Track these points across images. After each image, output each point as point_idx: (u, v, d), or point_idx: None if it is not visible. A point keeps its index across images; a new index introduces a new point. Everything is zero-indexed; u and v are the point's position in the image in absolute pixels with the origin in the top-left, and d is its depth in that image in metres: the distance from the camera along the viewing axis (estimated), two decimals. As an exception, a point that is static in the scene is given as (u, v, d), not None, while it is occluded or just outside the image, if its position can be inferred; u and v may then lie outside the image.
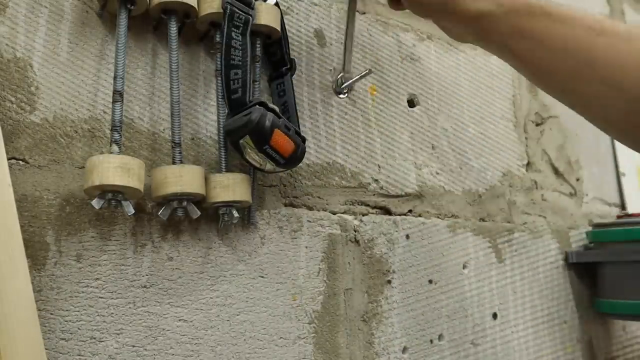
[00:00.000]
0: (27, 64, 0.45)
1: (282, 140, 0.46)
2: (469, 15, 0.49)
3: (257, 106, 0.46)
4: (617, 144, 0.95)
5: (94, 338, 0.43)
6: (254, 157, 0.47)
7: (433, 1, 0.51)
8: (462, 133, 0.72)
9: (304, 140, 0.50)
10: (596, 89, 0.46)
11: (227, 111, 0.48)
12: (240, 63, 0.47)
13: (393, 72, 0.67)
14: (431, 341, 0.62)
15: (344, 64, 0.61)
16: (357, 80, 0.61)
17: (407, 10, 0.54)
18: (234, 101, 0.47)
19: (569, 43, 0.46)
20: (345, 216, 0.59)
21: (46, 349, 0.40)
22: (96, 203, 0.41)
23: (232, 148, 0.48)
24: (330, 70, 0.62)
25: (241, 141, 0.46)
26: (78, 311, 0.43)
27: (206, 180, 0.47)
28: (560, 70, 0.48)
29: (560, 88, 0.51)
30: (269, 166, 0.48)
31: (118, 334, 0.44)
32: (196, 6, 0.49)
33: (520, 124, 0.80)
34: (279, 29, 0.52)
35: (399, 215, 0.63)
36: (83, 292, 0.43)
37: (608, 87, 0.45)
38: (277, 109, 0.48)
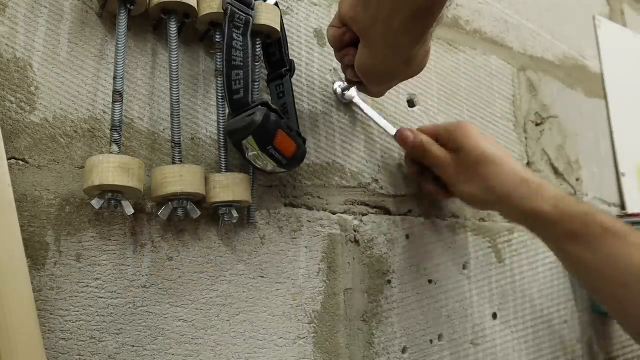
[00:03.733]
0: (27, 64, 0.45)
1: (285, 141, 0.47)
2: (524, 213, 0.54)
3: (260, 107, 0.46)
4: (617, 144, 0.95)
5: (94, 338, 0.43)
6: (256, 157, 0.47)
7: (489, 199, 0.55)
8: (462, 133, 0.72)
9: (304, 141, 0.50)
10: (634, 299, 0.48)
11: (228, 112, 0.48)
12: (241, 64, 0.47)
13: (393, 72, 0.67)
14: (431, 341, 0.62)
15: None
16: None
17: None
18: (236, 102, 0.47)
19: (619, 254, 0.49)
20: (345, 216, 0.59)
21: (46, 349, 0.40)
22: (96, 203, 0.41)
23: (234, 148, 0.48)
24: (330, 70, 0.62)
25: (244, 142, 0.46)
26: (78, 311, 0.43)
27: (206, 180, 0.47)
28: (609, 277, 0.50)
29: (607, 294, 0.52)
30: (270, 167, 0.48)
31: (118, 334, 0.44)
32: (196, 6, 0.49)
33: (520, 124, 0.80)
34: (278, 29, 0.52)
35: (399, 215, 0.63)
36: (83, 292, 0.43)
37: None
38: (278, 110, 0.48)
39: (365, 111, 0.61)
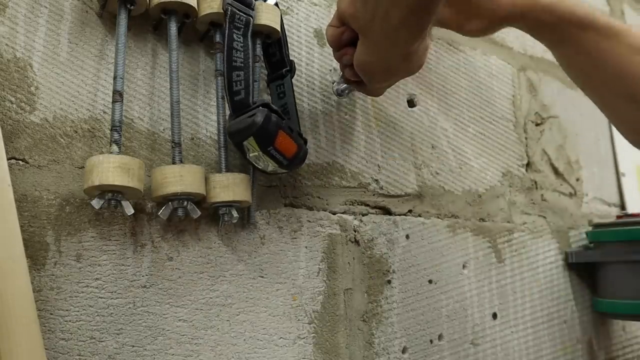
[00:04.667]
0: (27, 64, 0.45)
1: (285, 142, 0.47)
2: (526, 27, 0.55)
3: (261, 108, 0.46)
4: (617, 144, 0.95)
5: (94, 338, 0.43)
6: (257, 158, 0.47)
7: (496, 13, 0.55)
8: (462, 133, 0.72)
9: (305, 142, 0.50)
10: (624, 100, 0.52)
11: (229, 112, 0.48)
12: (242, 64, 0.47)
13: (393, 72, 0.67)
14: (431, 341, 0.62)
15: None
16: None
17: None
18: (237, 102, 0.47)
19: (609, 57, 0.51)
20: (345, 216, 0.59)
21: (46, 349, 0.40)
22: (96, 203, 0.41)
23: (235, 149, 0.48)
24: (330, 70, 0.62)
25: (245, 142, 0.46)
26: (78, 311, 0.43)
27: (206, 180, 0.47)
28: (598, 78, 0.53)
29: (596, 92, 0.56)
30: (271, 167, 0.48)
31: (118, 334, 0.44)
32: (196, 6, 0.49)
33: (520, 124, 0.80)
34: (278, 29, 0.52)
35: (399, 215, 0.63)
36: (83, 292, 0.43)
37: (633, 102, 0.51)
38: (279, 110, 0.48)
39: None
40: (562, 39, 0.54)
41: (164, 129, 0.50)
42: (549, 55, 0.88)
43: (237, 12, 0.48)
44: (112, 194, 0.42)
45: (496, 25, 0.56)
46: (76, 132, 0.46)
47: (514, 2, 0.54)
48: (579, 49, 0.53)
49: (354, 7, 0.44)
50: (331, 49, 0.52)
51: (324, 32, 0.62)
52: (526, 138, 0.80)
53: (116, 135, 0.44)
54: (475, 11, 0.55)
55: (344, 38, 0.49)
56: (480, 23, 0.55)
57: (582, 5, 0.53)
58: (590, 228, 0.82)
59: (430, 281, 0.64)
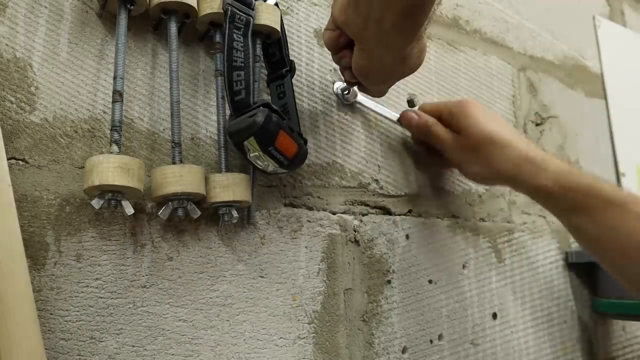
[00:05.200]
0: (27, 64, 0.45)
1: (286, 142, 0.47)
2: (529, 191, 0.57)
3: (262, 108, 0.46)
4: (617, 144, 0.95)
5: (94, 338, 0.43)
6: (257, 158, 0.47)
7: (495, 179, 0.59)
8: (462, 133, 0.72)
9: (305, 142, 0.50)
10: (636, 269, 0.51)
11: (230, 113, 0.48)
12: (242, 64, 0.47)
13: (393, 72, 0.67)
14: (431, 341, 0.62)
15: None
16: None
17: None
18: (238, 103, 0.47)
19: (620, 226, 0.51)
20: (345, 216, 0.59)
21: (46, 349, 0.40)
22: (96, 203, 0.41)
23: (236, 149, 0.48)
24: (330, 70, 0.62)
25: (245, 142, 0.46)
26: (78, 311, 0.43)
27: (206, 180, 0.47)
28: (610, 247, 0.53)
29: (610, 262, 0.55)
30: (272, 167, 0.48)
31: (118, 334, 0.44)
32: (196, 6, 0.49)
33: (520, 124, 0.80)
34: (278, 29, 0.52)
35: (399, 215, 0.63)
36: (83, 292, 0.43)
37: None
38: (279, 110, 0.48)
39: (368, 105, 0.62)
40: (570, 208, 0.54)
41: (164, 129, 0.50)
42: (549, 55, 0.88)
43: (237, 12, 0.48)
44: (112, 194, 0.42)
45: (497, 178, 0.58)
46: (76, 132, 0.46)
47: (522, 162, 0.55)
48: (589, 219, 0.53)
49: (346, 14, 0.44)
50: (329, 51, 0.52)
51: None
52: (526, 138, 0.80)
53: (116, 135, 0.44)
54: (482, 155, 0.57)
55: (341, 41, 0.49)
56: (482, 169, 0.58)
57: (588, 175, 0.55)
58: (590, 228, 0.82)
59: (430, 281, 0.64)
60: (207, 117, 0.53)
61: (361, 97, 0.62)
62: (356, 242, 0.59)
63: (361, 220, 0.60)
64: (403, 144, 0.66)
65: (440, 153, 0.62)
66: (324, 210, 0.58)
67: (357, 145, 0.62)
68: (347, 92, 0.61)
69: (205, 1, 0.49)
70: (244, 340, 0.50)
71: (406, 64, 0.47)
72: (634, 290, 0.54)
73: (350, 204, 0.60)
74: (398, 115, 0.62)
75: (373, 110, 0.63)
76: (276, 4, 0.52)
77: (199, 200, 0.47)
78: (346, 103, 0.62)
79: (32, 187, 0.43)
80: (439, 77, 0.72)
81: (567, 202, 0.54)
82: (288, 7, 0.60)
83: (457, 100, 0.62)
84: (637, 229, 0.50)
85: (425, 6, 0.40)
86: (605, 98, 0.97)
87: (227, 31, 0.47)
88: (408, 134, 0.66)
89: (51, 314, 0.42)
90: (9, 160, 0.42)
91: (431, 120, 0.60)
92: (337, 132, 0.61)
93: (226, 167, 0.49)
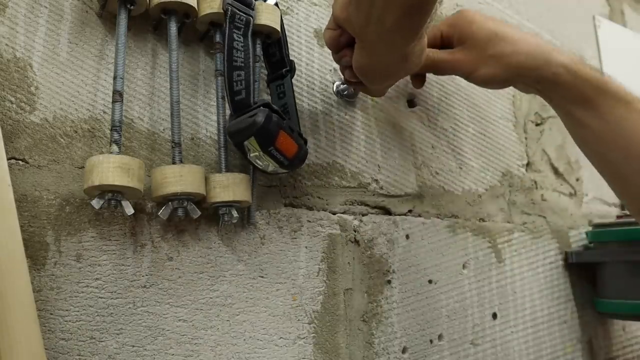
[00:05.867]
0: (27, 64, 0.45)
1: (286, 142, 0.47)
2: (540, 81, 0.54)
3: (262, 108, 0.46)
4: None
5: (94, 338, 0.43)
6: (258, 158, 0.47)
7: (507, 76, 0.55)
8: (462, 133, 0.72)
9: (305, 142, 0.50)
10: (636, 166, 0.51)
11: (230, 113, 0.48)
12: (242, 64, 0.47)
13: (393, 72, 0.67)
14: (431, 341, 0.62)
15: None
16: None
17: None
18: (238, 103, 0.47)
19: (624, 123, 0.50)
20: (345, 216, 0.59)
21: (46, 349, 0.40)
22: (96, 203, 0.41)
23: (236, 149, 0.48)
24: (330, 70, 0.62)
25: (245, 142, 0.46)
26: (78, 311, 0.43)
27: (206, 180, 0.47)
28: (612, 142, 0.52)
29: (604, 158, 0.54)
30: (272, 167, 0.48)
31: (118, 334, 0.44)
32: (196, 6, 0.49)
33: (520, 124, 0.80)
34: (278, 29, 0.52)
35: (399, 215, 0.63)
36: (83, 292, 0.43)
37: None
38: (279, 110, 0.48)
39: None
40: (578, 101, 0.53)
41: (164, 129, 0.50)
42: (549, 55, 0.88)
43: (237, 12, 0.48)
44: (112, 194, 0.42)
45: (509, 74, 0.55)
46: (76, 132, 0.46)
47: (533, 53, 0.53)
48: (595, 112, 0.52)
49: (347, 12, 0.44)
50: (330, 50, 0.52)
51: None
52: (526, 138, 0.80)
53: (116, 135, 0.44)
54: (492, 53, 0.54)
55: (341, 40, 0.49)
56: (494, 68, 0.55)
57: (596, 69, 0.53)
58: (590, 228, 0.82)
59: (430, 281, 0.64)
60: (207, 117, 0.53)
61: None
62: (356, 242, 0.59)
63: (361, 220, 0.60)
64: (403, 144, 0.66)
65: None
66: (324, 210, 0.58)
67: (357, 145, 0.62)
68: (345, 91, 0.61)
69: (205, 1, 0.49)
70: (244, 340, 0.50)
71: (407, 63, 0.47)
72: (631, 201, 0.54)
73: (350, 204, 0.60)
74: None
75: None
76: (276, 4, 0.52)
77: (199, 200, 0.47)
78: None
79: (32, 187, 0.43)
80: (439, 77, 0.71)
81: (577, 92, 0.52)
82: (288, 7, 0.60)
83: (454, 13, 0.60)
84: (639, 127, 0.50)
85: (427, 5, 0.40)
86: (605, 98, 0.96)
87: (227, 31, 0.47)
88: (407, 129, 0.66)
89: (51, 314, 0.42)
90: (9, 160, 0.42)
91: (432, 51, 0.57)
92: (337, 132, 0.61)
93: (226, 167, 0.49)
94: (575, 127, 0.55)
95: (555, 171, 0.83)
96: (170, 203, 0.45)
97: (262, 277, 0.52)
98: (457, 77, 0.73)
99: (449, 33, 0.57)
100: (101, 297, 0.44)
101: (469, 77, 0.57)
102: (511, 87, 0.80)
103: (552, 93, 0.55)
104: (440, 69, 0.58)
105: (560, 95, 0.54)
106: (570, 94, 0.53)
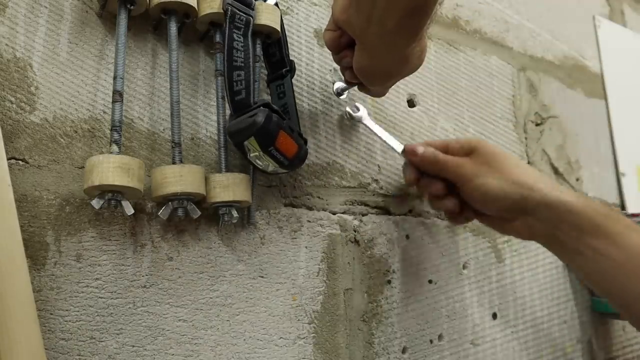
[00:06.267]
0: (27, 64, 0.45)
1: (286, 142, 0.47)
2: (548, 204, 0.50)
3: (262, 108, 0.46)
4: (617, 144, 0.95)
5: (94, 338, 0.43)
6: (258, 158, 0.47)
7: (510, 192, 0.51)
8: (462, 133, 0.72)
9: (305, 142, 0.50)
10: None
11: (230, 113, 0.48)
12: (242, 64, 0.47)
13: (393, 72, 0.67)
14: (431, 341, 0.62)
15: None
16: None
17: None
18: (238, 103, 0.47)
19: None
20: (345, 216, 0.59)
21: (46, 349, 0.40)
22: (96, 203, 0.41)
23: (236, 149, 0.48)
24: (330, 70, 0.62)
25: (245, 143, 0.46)
26: (78, 311, 0.43)
27: (206, 180, 0.47)
28: (632, 271, 0.48)
29: (625, 290, 0.50)
30: (272, 167, 0.48)
31: (118, 334, 0.44)
32: (196, 6, 0.49)
33: (520, 124, 0.80)
34: (278, 29, 0.52)
35: (399, 215, 0.63)
36: (83, 292, 0.43)
37: None
38: (279, 110, 0.48)
39: (374, 130, 0.61)
40: (591, 229, 0.50)
41: (164, 129, 0.50)
42: (549, 55, 0.88)
43: (237, 12, 0.48)
44: (112, 194, 0.42)
45: (513, 192, 0.52)
46: (76, 132, 0.46)
47: (543, 180, 0.52)
48: (611, 240, 0.49)
49: (348, 13, 0.44)
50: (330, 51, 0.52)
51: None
52: (526, 138, 0.80)
53: (116, 135, 0.44)
54: (496, 169, 0.52)
55: (342, 41, 0.49)
56: (496, 181, 0.52)
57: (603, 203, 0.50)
58: (590, 228, 0.82)
59: (430, 281, 0.64)
60: (207, 117, 0.53)
61: (368, 121, 0.61)
62: (356, 242, 0.59)
63: (361, 220, 0.60)
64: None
65: (439, 184, 0.56)
66: (324, 210, 0.58)
67: (357, 145, 0.62)
68: (342, 94, 0.61)
69: (205, 1, 0.49)
70: (244, 340, 0.50)
71: (407, 64, 0.47)
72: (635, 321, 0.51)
73: (350, 204, 0.60)
74: (402, 147, 0.58)
75: (379, 137, 0.60)
76: (276, 4, 0.52)
77: (199, 200, 0.47)
78: (354, 122, 0.62)
79: (32, 187, 0.43)
80: (439, 77, 0.72)
81: (589, 220, 0.49)
82: (288, 7, 0.60)
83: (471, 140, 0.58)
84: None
85: (427, 7, 0.40)
86: (605, 98, 0.97)
87: (227, 31, 0.47)
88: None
89: (51, 314, 0.42)
90: (9, 160, 0.42)
91: (438, 150, 0.56)
92: (337, 132, 0.61)
93: (226, 167, 0.49)
94: (590, 259, 0.50)
95: (556, 171, 0.83)
96: (170, 203, 0.45)
97: (262, 277, 0.52)
98: (457, 77, 0.74)
99: (455, 146, 0.56)
100: (101, 297, 0.44)
101: (468, 184, 0.54)
102: (511, 88, 0.80)
103: (558, 221, 0.51)
104: (442, 165, 0.55)
105: (569, 223, 0.50)
106: (583, 221, 0.50)
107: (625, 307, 0.51)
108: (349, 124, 0.62)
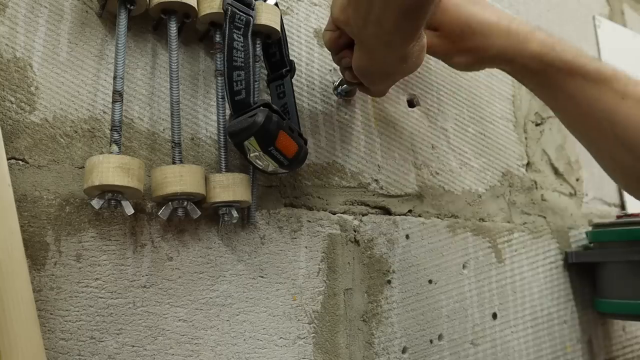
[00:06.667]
0: (27, 64, 0.45)
1: (286, 142, 0.47)
2: (514, 68, 0.55)
3: (262, 108, 0.46)
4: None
5: (94, 338, 0.43)
6: (258, 158, 0.47)
7: (483, 64, 0.56)
8: (462, 133, 0.72)
9: (305, 142, 0.50)
10: (613, 146, 0.52)
11: (230, 113, 0.48)
12: (242, 64, 0.47)
13: (393, 72, 0.67)
14: (431, 341, 0.62)
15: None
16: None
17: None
18: (238, 102, 0.47)
19: (596, 104, 0.51)
20: (345, 216, 0.59)
21: (46, 349, 0.40)
22: (96, 203, 0.41)
23: (236, 149, 0.48)
24: (330, 70, 0.62)
25: (245, 143, 0.46)
26: (78, 311, 0.43)
27: (206, 180, 0.47)
28: (586, 125, 0.54)
29: (585, 138, 0.56)
30: (272, 167, 0.48)
31: (118, 334, 0.44)
32: (196, 6, 0.49)
33: (520, 124, 0.80)
34: (278, 29, 0.52)
35: (399, 215, 0.63)
36: (83, 292, 0.43)
37: (624, 148, 0.51)
38: (279, 110, 0.48)
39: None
40: (548, 85, 0.54)
41: (164, 129, 0.50)
42: (549, 55, 0.88)
43: (237, 12, 0.48)
44: (112, 194, 0.42)
45: (483, 64, 0.56)
46: (76, 132, 0.46)
47: (504, 45, 0.53)
48: (566, 96, 0.53)
49: (346, 13, 0.44)
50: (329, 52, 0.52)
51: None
52: (526, 138, 0.80)
53: (116, 135, 0.44)
54: (465, 46, 0.54)
55: (341, 42, 0.49)
56: (467, 58, 0.55)
57: (572, 50, 0.53)
58: (590, 228, 0.82)
59: (430, 281, 0.64)
60: (207, 117, 0.53)
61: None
62: (356, 242, 0.59)
63: (361, 220, 0.60)
64: (403, 144, 0.66)
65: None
66: (324, 210, 0.58)
67: (357, 145, 0.62)
68: (345, 92, 0.61)
69: (205, 1, 0.49)
70: (244, 340, 0.50)
71: (406, 64, 0.47)
72: (605, 166, 0.56)
73: (350, 204, 0.60)
74: None
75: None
76: (276, 4, 0.52)
77: (199, 200, 0.47)
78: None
79: (32, 187, 0.43)
80: (439, 77, 0.72)
81: (546, 79, 0.53)
82: (288, 7, 0.60)
83: None
84: (613, 107, 0.50)
85: (425, 6, 0.40)
86: (605, 98, 0.96)
87: (227, 31, 0.47)
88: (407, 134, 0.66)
89: (51, 314, 0.42)
90: (9, 160, 0.42)
91: None
92: (337, 132, 0.61)
93: (226, 167, 0.49)
94: (554, 111, 0.57)
95: (555, 171, 0.83)
96: (170, 203, 0.45)
97: (262, 277, 0.52)
98: (457, 77, 0.74)
99: None
100: (101, 297, 0.44)
101: (445, 61, 0.58)
102: (511, 87, 0.80)
103: (525, 80, 0.56)
104: None
105: (533, 83, 0.55)
106: (541, 81, 0.54)
107: (590, 152, 0.58)
108: (349, 120, 0.62)
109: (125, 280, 0.45)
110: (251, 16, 0.49)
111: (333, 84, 0.62)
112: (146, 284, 0.46)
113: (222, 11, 0.48)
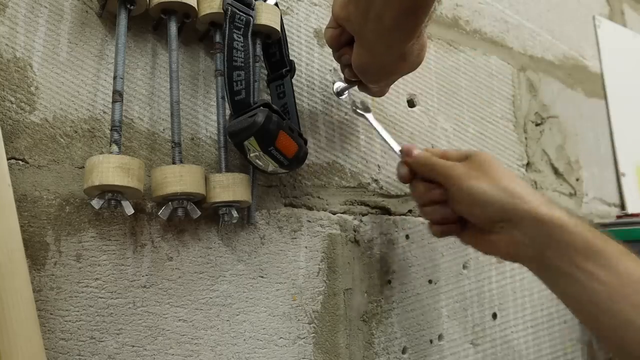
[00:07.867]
0: (27, 64, 0.45)
1: (286, 142, 0.47)
2: (539, 219, 0.46)
3: (262, 108, 0.46)
4: (617, 144, 0.95)
5: (94, 338, 0.43)
6: (258, 158, 0.47)
7: (502, 198, 0.47)
8: (462, 133, 0.72)
9: (305, 142, 0.50)
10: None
11: (230, 113, 0.48)
12: (242, 64, 0.47)
13: (393, 72, 0.67)
14: (431, 341, 0.62)
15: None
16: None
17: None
18: (238, 102, 0.47)
19: (635, 276, 0.44)
20: (345, 216, 0.59)
21: (46, 349, 0.40)
22: (96, 203, 0.41)
23: (236, 149, 0.48)
24: (330, 70, 0.62)
25: (245, 143, 0.46)
26: (78, 311, 0.43)
27: (206, 180, 0.47)
28: (626, 297, 0.45)
29: (616, 316, 0.45)
30: (272, 167, 0.48)
31: (118, 334, 0.44)
32: (196, 6, 0.49)
33: (520, 124, 0.80)
34: (278, 29, 0.52)
35: (399, 215, 0.63)
36: (83, 292, 0.43)
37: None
38: (279, 110, 0.48)
39: (376, 127, 0.59)
40: (585, 249, 0.46)
41: (164, 129, 0.50)
42: (549, 55, 0.88)
43: (237, 12, 0.48)
44: (112, 194, 0.42)
45: (501, 198, 0.48)
46: (76, 132, 0.46)
47: (533, 194, 0.48)
48: (605, 263, 0.45)
49: (347, 10, 0.44)
50: (331, 49, 0.52)
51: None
52: (526, 138, 0.80)
53: (116, 135, 0.44)
54: (490, 177, 0.49)
55: (342, 39, 0.49)
56: (485, 184, 0.48)
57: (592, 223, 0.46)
58: (590, 228, 0.82)
59: (430, 281, 0.64)
60: (207, 117, 0.53)
61: (371, 117, 0.60)
62: (356, 242, 0.59)
63: (361, 220, 0.60)
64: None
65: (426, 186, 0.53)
66: (324, 210, 0.58)
67: (357, 145, 0.62)
68: (342, 94, 0.61)
69: (205, 1, 0.49)
70: (244, 340, 0.50)
71: (406, 62, 0.47)
72: (612, 350, 0.46)
73: (350, 204, 0.60)
74: (400, 147, 0.56)
75: (379, 134, 0.58)
76: (276, 4, 0.52)
77: (199, 200, 0.47)
78: (339, 95, 0.61)
79: (32, 187, 0.43)
80: (439, 77, 0.72)
81: (582, 240, 0.45)
82: (288, 7, 0.60)
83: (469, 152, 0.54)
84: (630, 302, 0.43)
85: (425, 4, 0.40)
86: (605, 98, 0.97)
87: (227, 31, 0.47)
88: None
89: (51, 314, 0.42)
90: (9, 160, 0.42)
91: (435, 156, 0.53)
92: (337, 132, 0.61)
93: (226, 167, 0.49)
94: (581, 283, 0.46)
95: (555, 171, 0.83)
96: (170, 203, 0.45)
97: (262, 277, 0.52)
98: (457, 77, 0.74)
99: (452, 154, 0.53)
100: (101, 297, 0.44)
101: (459, 184, 0.50)
102: (511, 88, 0.80)
103: (552, 241, 0.46)
104: (436, 167, 0.52)
105: (562, 243, 0.46)
106: (575, 241, 0.45)
107: (614, 338, 0.46)
108: (349, 120, 0.62)
109: (125, 280, 0.45)
110: (251, 16, 0.49)
111: (333, 84, 0.61)
112: (146, 284, 0.46)
113: (222, 11, 0.48)
